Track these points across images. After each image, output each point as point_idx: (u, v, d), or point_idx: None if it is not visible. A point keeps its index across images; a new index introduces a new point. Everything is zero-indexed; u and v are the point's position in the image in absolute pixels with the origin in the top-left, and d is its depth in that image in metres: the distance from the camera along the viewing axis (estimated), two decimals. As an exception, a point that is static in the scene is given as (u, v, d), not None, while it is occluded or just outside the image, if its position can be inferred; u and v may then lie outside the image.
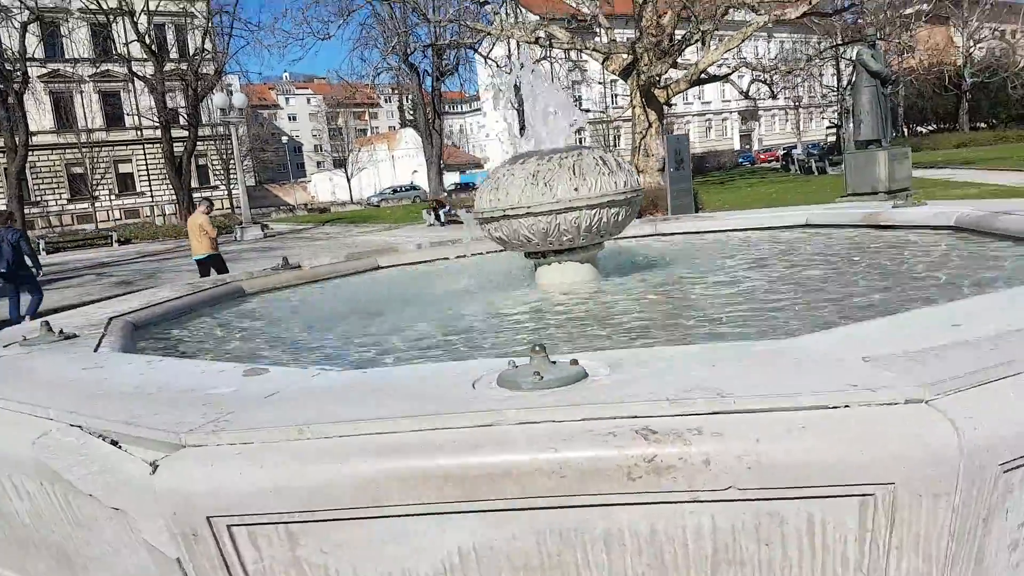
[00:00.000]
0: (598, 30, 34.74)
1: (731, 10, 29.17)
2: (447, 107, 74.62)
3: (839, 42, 42.59)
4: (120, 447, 2.04)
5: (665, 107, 32.19)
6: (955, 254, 5.11)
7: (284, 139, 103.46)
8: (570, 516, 1.70)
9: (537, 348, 1.98)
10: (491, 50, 45.34)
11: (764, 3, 28.27)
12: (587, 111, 55.04)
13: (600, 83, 56.85)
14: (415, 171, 75.40)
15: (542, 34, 33.12)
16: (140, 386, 2.52)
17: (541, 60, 45.37)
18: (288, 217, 64.49)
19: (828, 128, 75.45)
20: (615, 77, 36.67)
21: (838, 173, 34.79)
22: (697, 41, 29.53)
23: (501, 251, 7.03)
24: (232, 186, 58.73)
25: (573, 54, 49.99)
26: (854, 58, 21.73)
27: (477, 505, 1.70)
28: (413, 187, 70.78)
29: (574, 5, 39.13)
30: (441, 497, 1.69)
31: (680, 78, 31.25)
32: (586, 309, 4.96)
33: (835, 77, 47.18)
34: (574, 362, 2.00)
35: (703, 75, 31.43)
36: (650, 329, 4.15)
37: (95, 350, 3.53)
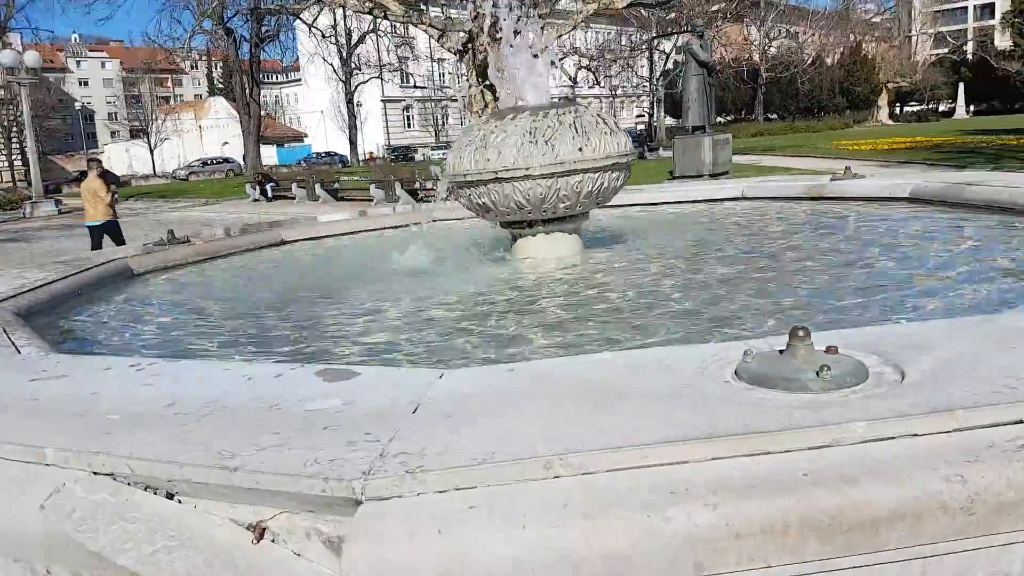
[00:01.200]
0: (424, 8, 34.16)
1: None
2: (262, 76, 70.53)
3: (655, 35, 45.15)
4: (175, 499, 1.52)
5: (499, 87, 32.44)
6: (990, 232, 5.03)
7: (77, 106, 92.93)
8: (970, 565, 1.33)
9: (800, 331, 1.63)
10: (316, 18, 43.35)
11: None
12: (419, 87, 54.41)
13: (432, 59, 56.28)
14: (226, 143, 70.69)
15: (374, 4, 32.06)
16: (173, 404, 1.92)
17: (368, 33, 43.99)
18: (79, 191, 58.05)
19: (638, 116, 79.84)
20: (448, 55, 36.40)
21: (655, 159, 36.99)
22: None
23: (432, 222, 6.76)
24: (14, 157, 51.98)
25: (404, 28, 49.12)
26: (684, 48, 23.07)
27: (851, 563, 1.28)
28: (226, 160, 66.27)
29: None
30: (797, 556, 1.26)
31: (515, 59, 31.57)
32: (604, 282, 4.52)
33: (648, 68, 49.91)
34: (831, 349, 1.66)
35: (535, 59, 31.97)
36: (702, 309, 3.78)
37: (18, 351, 2.94)
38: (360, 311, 4.25)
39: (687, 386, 1.65)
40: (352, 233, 7.25)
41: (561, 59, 35.15)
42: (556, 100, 5.24)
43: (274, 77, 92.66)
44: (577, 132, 4.59)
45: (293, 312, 4.36)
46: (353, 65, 55.33)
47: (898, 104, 69.72)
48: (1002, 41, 72.16)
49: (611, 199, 5.22)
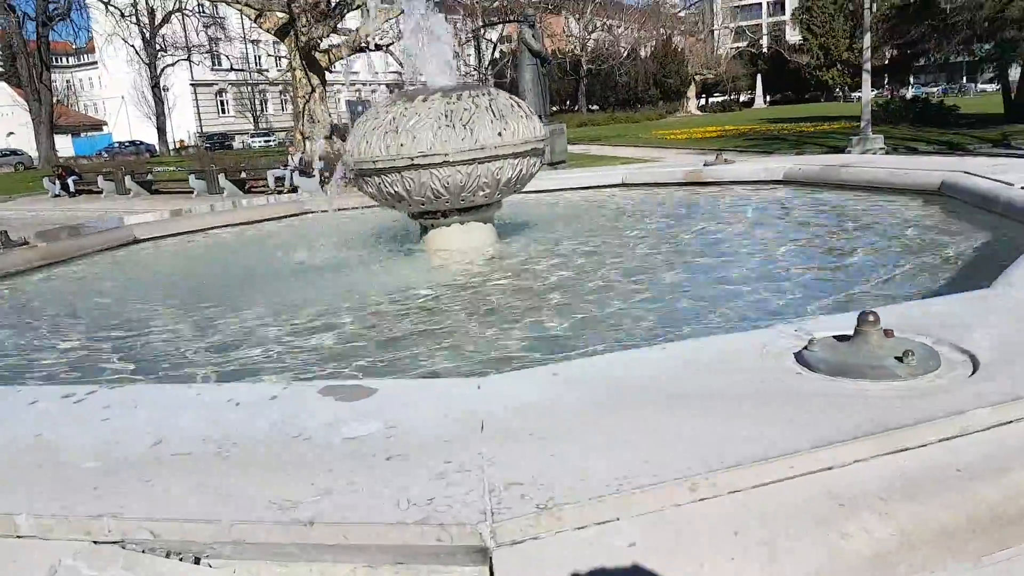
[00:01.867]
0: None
1: (391, -21, 29.03)
2: (52, 59, 63.41)
3: (482, 23, 45.32)
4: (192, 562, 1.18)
5: (327, 72, 31.11)
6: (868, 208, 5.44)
7: None
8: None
9: (871, 316, 1.56)
10: (114, -6, 39.52)
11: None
12: (234, 70, 51.14)
13: (246, 41, 53.09)
14: (11, 133, 63.12)
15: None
16: (160, 442, 1.53)
17: (173, 12, 40.88)
18: None
19: (467, 103, 79.94)
20: (263, 37, 34.50)
21: (490, 145, 37.24)
22: (358, 7, 28.90)
23: (305, 215, 6.14)
24: None
25: (214, 7, 45.90)
26: (518, 37, 23.16)
27: (1004, 555, 1.17)
28: (14, 152, 59.11)
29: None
30: (962, 557, 1.14)
31: (342, 43, 30.42)
32: (533, 273, 4.34)
33: (475, 57, 50.10)
34: (888, 332, 1.56)
35: (364, 43, 30.98)
36: (654, 294, 3.84)
37: None
38: (272, 320, 3.79)
39: (761, 380, 1.53)
40: (222, 228, 6.48)
41: (389, 45, 34.28)
42: (465, 82, 4.90)
43: (65, 60, 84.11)
44: (495, 115, 4.36)
45: (192, 321, 3.82)
46: (158, 47, 51.11)
47: (704, 95, 74.80)
48: (793, 35, 79.49)
49: (525, 185, 5.03)
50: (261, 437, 1.56)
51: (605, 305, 3.70)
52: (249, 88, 62.04)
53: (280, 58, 63.39)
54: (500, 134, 4.31)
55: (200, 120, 62.25)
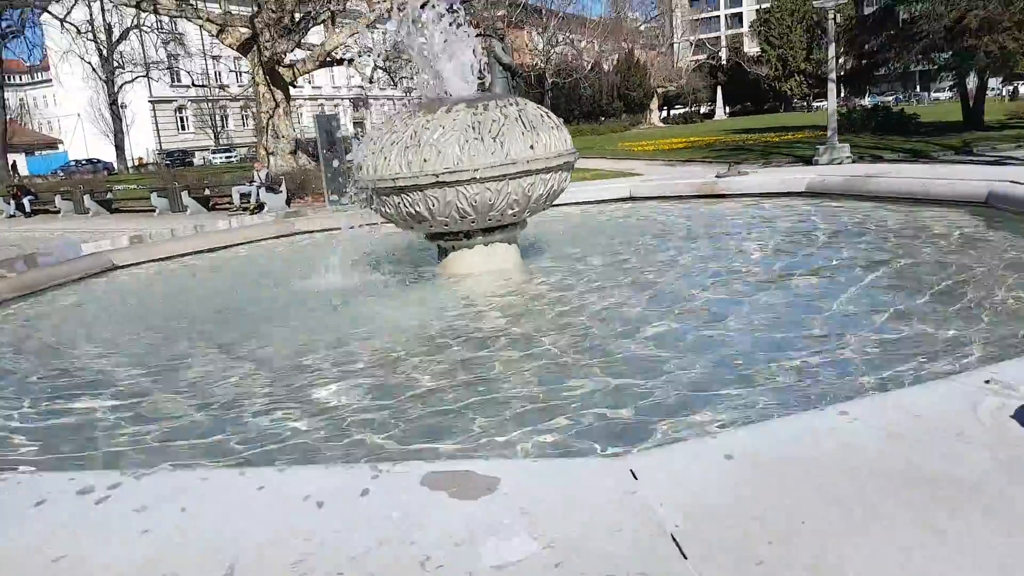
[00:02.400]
0: (193, 2, 31.49)
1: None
2: (5, 78, 61.65)
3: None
4: None
5: (291, 87, 30.66)
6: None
7: None
8: None
9: None
10: (69, 12, 38.51)
11: (387, -11, 28.43)
12: (195, 86, 50.25)
13: (206, 56, 52.24)
14: (-39, 152, 61.26)
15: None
16: (233, 566, 1.12)
17: (132, 28, 40.14)
18: None
19: (431, 117, 79.76)
20: (224, 52, 33.92)
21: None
22: (323, 22, 28.57)
23: (279, 237, 5.77)
24: None
25: (173, 23, 45.13)
26: (488, 51, 23.03)
27: None
28: (-37, 172, 57.22)
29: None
30: None
31: (306, 58, 30.02)
32: (570, 305, 3.82)
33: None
34: None
35: (328, 58, 30.61)
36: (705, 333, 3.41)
37: None
38: (285, 364, 3.28)
39: (997, 456, 1.18)
40: (208, 251, 6.08)
41: (353, 58, 33.97)
42: (485, 93, 4.59)
43: (19, 78, 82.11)
44: (525, 127, 4.02)
45: (198, 372, 3.31)
46: (116, 63, 50.02)
47: (666, 107, 75.57)
48: (751, 47, 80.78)
49: (553, 202, 4.65)
50: (372, 567, 1.12)
51: (671, 343, 3.21)
52: (209, 104, 61.01)
53: (241, 73, 62.60)
54: (532, 147, 3.98)
55: (159, 137, 61.01)
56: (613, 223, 6.45)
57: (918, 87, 71.80)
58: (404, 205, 4.11)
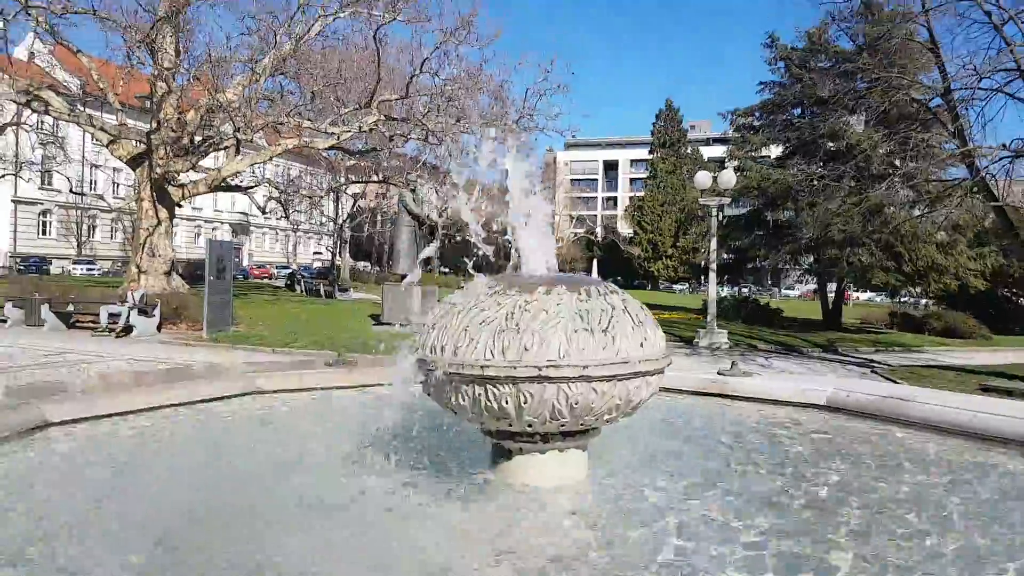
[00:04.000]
0: (83, 109, 30.43)
1: (265, 128, 28.70)
2: None
3: (344, 180, 45.70)
4: None
5: (177, 207, 29.54)
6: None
7: None
8: None
9: None
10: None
11: (296, 128, 28.62)
12: (75, 193, 47.46)
13: (85, 163, 49.89)
14: None
15: (32, 96, 27.60)
16: None
17: (10, 125, 38.38)
18: None
19: (315, 253, 79.12)
20: (105, 161, 32.56)
21: (346, 298, 36.32)
22: (228, 148, 28.16)
23: (256, 394, 4.72)
24: None
25: (56, 125, 43.21)
26: (399, 199, 23.28)
27: None
28: None
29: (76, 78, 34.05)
30: None
31: (201, 180, 29.21)
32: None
33: (334, 209, 50.10)
34: None
35: (223, 183, 29.95)
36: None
37: None
38: None
39: None
40: (143, 412, 4.98)
41: (253, 186, 33.47)
42: (568, 273, 4.17)
43: None
44: (635, 320, 3.58)
45: None
46: (-17, 157, 46.85)
47: (546, 271, 78.91)
48: (625, 228, 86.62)
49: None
50: None
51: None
52: (78, 212, 57.76)
53: (119, 185, 60.14)
54: (642, 345, 3.52)
55: (15, 239, 56.60)
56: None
57: (770, 282, 78.79)
58: (488, 398, 3.47)
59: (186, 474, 4.09)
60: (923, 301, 39.33)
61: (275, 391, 6.05)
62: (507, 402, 3.46)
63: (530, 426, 3.59)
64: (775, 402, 6.11)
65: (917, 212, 22.47)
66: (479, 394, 3.50)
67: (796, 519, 3.65)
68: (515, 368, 3.35)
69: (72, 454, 4.36)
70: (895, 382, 14.82)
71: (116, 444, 4.61)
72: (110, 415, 4.82)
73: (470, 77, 28.85)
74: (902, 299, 41.56)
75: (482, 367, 3.40)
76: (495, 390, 3.45)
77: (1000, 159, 14.93)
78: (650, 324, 3.73)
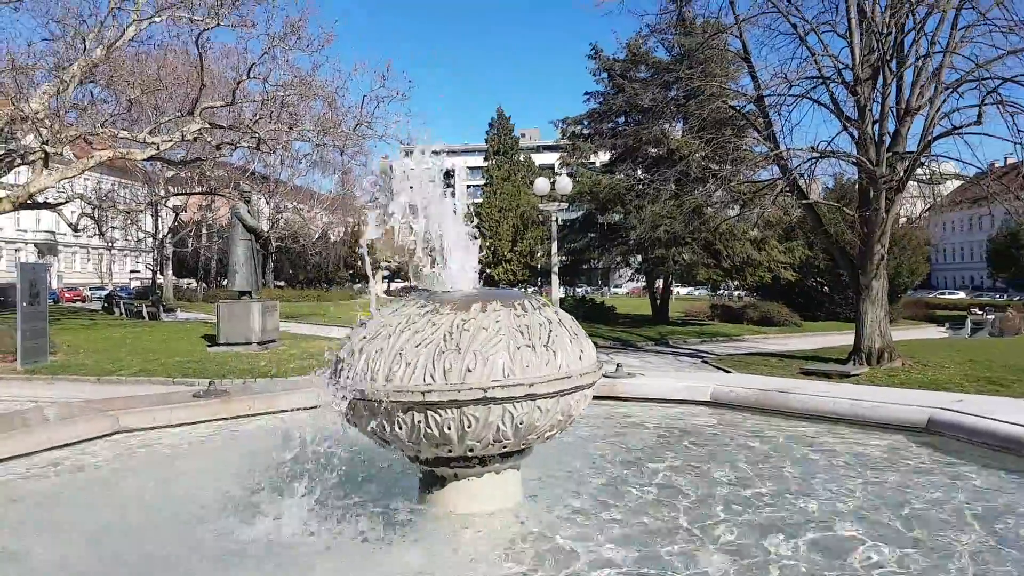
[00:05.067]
0: None
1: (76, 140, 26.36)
2: None
3: (165, 193, 42.94)
4: None
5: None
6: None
7: None
8: None
9: None
10: None
11: (110, 139, 26.58)
12: None
13: None
14: None
15: None
16: None
17: None
18: None
19: (132, 272, 73.55)
20: None
21: (172, 319, 34.05)
22: (35, 161, 25.63)
23: (117, 434, 4.20)
24: None
25: None
26: (231, 211, 22.17)
27: None
28: None
29: None
30: None
31: (4, 197, 26.37)
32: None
33: (153, 224, 46.94)
34: None
35: (30, 199, 27.23)
36: None
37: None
38: None
39: None
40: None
41: (63, 203, 30.62)
42: (488, 289, 3.99)
43: None
44: (571, 333, 3.49)
45: None
46: None
47: (390, 279, 78.14)
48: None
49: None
50: None
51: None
52: None
53: None
54: (580, 357, 3.44)
55: None
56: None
57: (600, 281, 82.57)
58: (428, 424, 3.29)
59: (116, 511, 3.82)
60: (736, 293, 42.77)
61: (147, 428, 5.65)
62: (449, 427, 3.32)
63: (471, 450, 3.48)
64: (659, 400, 6.39)
65: (732, 212, 24.46)
66: (418, 421, 3.33)
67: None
68: (459, 391, 3.21)
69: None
70: (725, 370, 16.12)
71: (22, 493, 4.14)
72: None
73: (303, 83, 27.98)
74: (720, 292, 44.97)
75: (423, 392, 3.23)
76: (436, 416, 3.30)
77: (808, 160, 16.58)
78: (583, 336, 3.73)
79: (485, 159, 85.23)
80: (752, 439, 5.53)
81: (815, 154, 16.25)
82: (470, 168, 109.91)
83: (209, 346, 20.21)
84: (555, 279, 24.45)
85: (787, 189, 17.81)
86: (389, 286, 78.05)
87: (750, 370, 16.00)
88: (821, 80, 16.27)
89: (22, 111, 23.11)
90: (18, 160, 26.05)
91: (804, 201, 17.59)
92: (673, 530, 3.64)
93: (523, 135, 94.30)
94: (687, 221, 25.53)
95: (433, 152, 4.23)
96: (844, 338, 24.92)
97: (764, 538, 3.51)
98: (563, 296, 38.98)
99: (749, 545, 3.44)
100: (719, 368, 17.27)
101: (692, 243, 27.88)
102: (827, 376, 14.78)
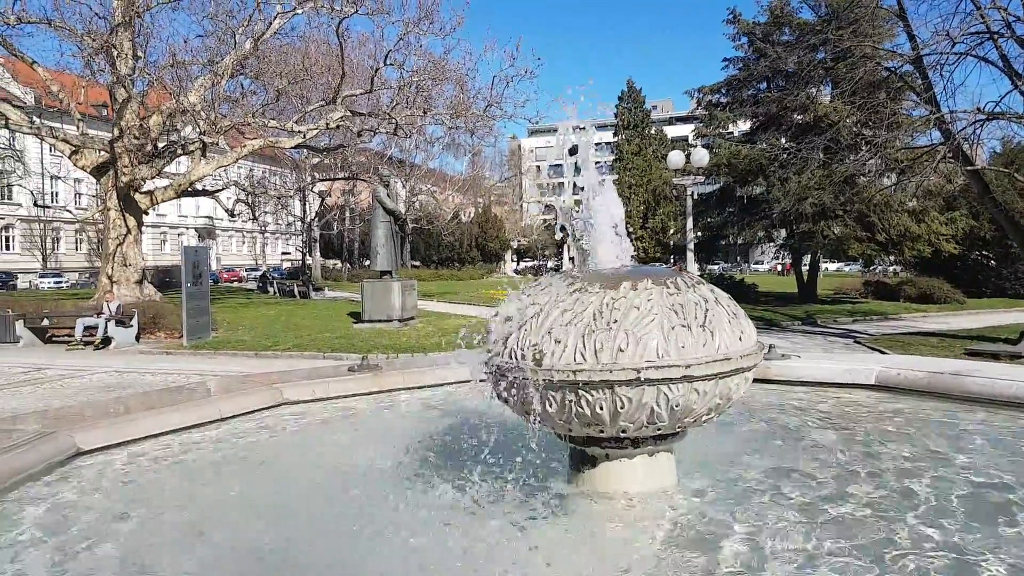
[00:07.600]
0: (37, 120, 29.67)
1: (229, 130, 28.15)
2: None
3: (311, 179, 45.14)
4: None
5: (145, 214, 28.94)
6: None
7: None
8: None
9: None
10: None
11: (261, 128, 28.18)
12: (41, 206, 46.17)
13: (46, 175, 48.67)
14: None
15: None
16: None
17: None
18: None
19: (284, 254, 78.20)
20: (67, 172, 31.78)
21: (321, 298, 35.92)
22: (194, 151, 27.58)
23: (280, 406, 4.49)
24: None
25: (13, 137, 42.10)
26: (372, 195, 22.97)
27: None
28: None
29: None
30: None
31: (167, 186, 28.64)
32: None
33: (301, 208, 49.51)
34: None
35: (191, 188, 29.39)
36: None
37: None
38: None
39: None
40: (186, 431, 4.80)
41: (219, 189, 32.87)
42: (640, 266, 3.89)
43: None
44: (729, 313, 3.33)
45: None
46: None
47: (517, 259, 78.94)
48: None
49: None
50: None
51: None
52: (41, 225, 56.40)
53: (82, 195, 58.77)
54: (740, 338, 3.25)
55: (-23, 256, 55.18)
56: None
57: (739, 258, 79.63)
58: (580, 404, 3.20)
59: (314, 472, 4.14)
60: (892, 268, 39.96)
61: (308, 400, 5.93)
62: (601, 408, 3.22)
63: (623, 431, 3.36)
64: (818, 384, 5.92)
65: (888, 181, 22.74)
66: (569, 400, 3.25)
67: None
68: (611, 371, 3.10)
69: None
70: (881, 351, 15.04)
71: (129, 473, 4.37)
72: (158, 435, 4.68)
73: (436, 67, 28.50)
74: (874, 267, 42.17)
75: (573, 372, 3.13)
76: (588, 396, 3.21)
77: (974, 122, 15.11)
78: (742, 315, 3.52)
79: (615, 134, 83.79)
80: (950, 427, 4.94)
81: (982, 115, 14.79)
82: (597, 144, 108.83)
83: (355, 323, 21.11)
84: (690, 256, 23.79)
85: (949, 155, 16.35)
86: (519, 264, 79.00)
87: (909, 351, 14.84)
88: (989, 35, 14.71)
89: (182, 104, 24.89)
90: (179, 150, 28.12)
91: (969, 167, 16.09)
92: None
93: (654, 107, 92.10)
94: (837, 192, 24.00)
95: (578, 128, 4.03)
96: (1014, 316, 22.67)
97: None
98: (699, 273, 37.80)
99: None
100: (873, 349, 16.15)
101: (843, 215, 26.18)
102: (995, 357, 13.46)
